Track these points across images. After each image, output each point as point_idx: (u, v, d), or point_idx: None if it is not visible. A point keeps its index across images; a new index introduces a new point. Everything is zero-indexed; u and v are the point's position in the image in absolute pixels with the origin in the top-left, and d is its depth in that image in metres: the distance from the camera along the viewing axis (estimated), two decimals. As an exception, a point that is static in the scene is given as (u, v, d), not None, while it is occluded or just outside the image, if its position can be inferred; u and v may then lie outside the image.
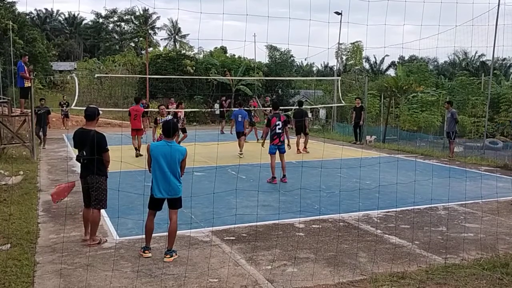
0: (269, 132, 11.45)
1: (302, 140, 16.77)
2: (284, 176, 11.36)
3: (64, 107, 25.95)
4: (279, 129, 11.24)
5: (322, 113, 35.60)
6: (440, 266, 5.79)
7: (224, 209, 8.48)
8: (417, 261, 6.03)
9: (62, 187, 6.91)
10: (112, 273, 5.41)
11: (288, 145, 11.85)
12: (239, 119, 16.50)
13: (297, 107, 17.85)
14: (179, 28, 67.36)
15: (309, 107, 34.52)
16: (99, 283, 5.22)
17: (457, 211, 8.76)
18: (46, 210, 8.38)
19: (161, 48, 54.71)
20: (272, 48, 37.45)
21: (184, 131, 16.03)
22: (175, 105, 18.11)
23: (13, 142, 14.53)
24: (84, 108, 6.92)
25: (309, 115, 24.15)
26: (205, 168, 12.59)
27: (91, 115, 6.54)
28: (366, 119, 21.03)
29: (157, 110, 16.43)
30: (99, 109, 6.84)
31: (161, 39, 66.70)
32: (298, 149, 16.44)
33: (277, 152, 11.34)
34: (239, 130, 16.43)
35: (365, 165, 12.86)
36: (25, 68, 14.45)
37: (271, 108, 14.72)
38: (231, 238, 6.90)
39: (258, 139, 18.94)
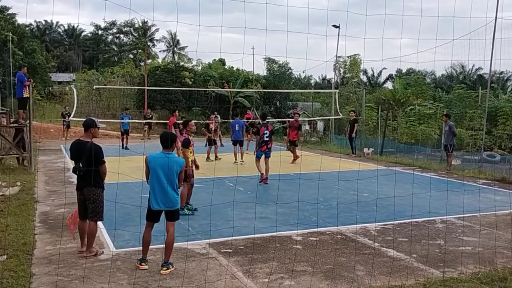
0: (259, 140, 12.68)
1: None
2: (266, 178, 12.51)
3: (67, 118, 26.09)
4: (266, 137, 12.53)
5: (320, 125, 35.68)
6: (438, 279, 5.78)
7: (221, 221, 8.46)
8: (415, 274, 6.01)
9: (74, 216, 6.86)
10: (108, 285, 5.38)
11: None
12: (236, 128, 17.18)
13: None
14: (178, 40, 67.65)
15: (307, 119, 34.65)
16: (95, 296, 5.19)
17: (455, 224, 8.75)
18: (43, 221, 8.34)
19: (159, 60, 54.98)
20: (270, 61, 37.64)
21: None
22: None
23: (11, 153, 14.50)
24: (83, 119, 6.93)
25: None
26: (203, 180, 12.56)
27: (85, 126, 6.56)
28: (359, 131, 21.16)
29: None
30: (99, 120, 6.83)
31: (160, 51, 67.00)
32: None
33: (264, 156, 12.59)
34: (236, 139, 17.14)
35: (363, 178, 12.85)
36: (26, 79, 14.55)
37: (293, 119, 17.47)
38: (228, 250, 6.88)
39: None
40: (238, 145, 17.10)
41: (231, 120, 18.52)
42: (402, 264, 6.43)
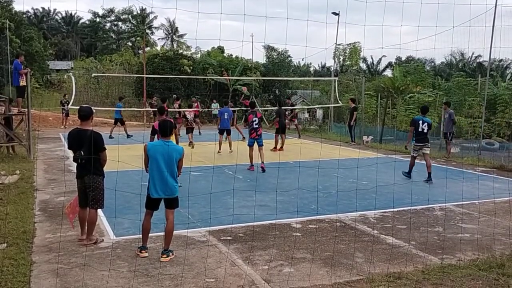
0: (248, 127, 12.80)
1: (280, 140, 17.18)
2: (262, 162, 12.65)
3: (66, 106, 25.98)
4: (255, 124, 12.70)
5: (319, 113, 35.64)
6: (437, 266, 5.81)
7: (221, 209, 8.48)
8: (414, 261, 6.04)
9: (72, 204, 6.87)
10: (108, 273, 5.40)
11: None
12: (225, 116, 16.64)
13: (277, 107, 18.42)
14: (177, 28, 67.40)
15: (306, 107, 34.60)
16: (96, 283, 5.21)
17: (453, 211, 8.79)
18: (43, 210, 8.36)
19: (158, 48, 54.78)
20: (269, 48, 37.45)
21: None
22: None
23: (10, 141, 14.47)
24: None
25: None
26: (202, 168, 12.58)
27: (86, 115, 6.51)
28: (359, 119, 21.16)
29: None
30: (94, 108, 6.82)
31: (159, 39, 66.78)
32: (275, 147, 17.05)
33: (256, 144, 12.72)
34: (224, 127, 16.57)
35: (362, 166, 12.86)
36: (22, 67, 14.48)
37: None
38: (228, 238, 6.90)
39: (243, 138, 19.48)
40: (225, 133, 16.55)
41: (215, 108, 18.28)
42: (401, 251, 6.47)
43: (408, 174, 12.02)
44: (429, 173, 11.72)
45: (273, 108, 30.64)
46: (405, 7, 7.66)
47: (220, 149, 16.23)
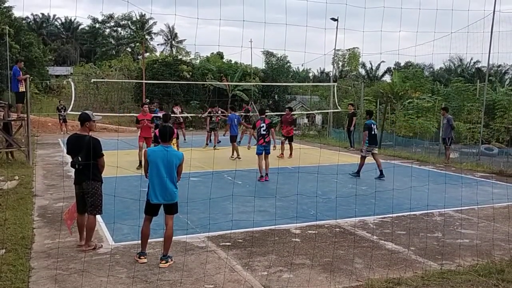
0: (256, 134, 12.45)
1: (287, 147, 16.87)
2: (266, 174, 12.13)
3: (62, 112, 25.83)
4: (263, 131, 12.22)
5: (318, 118, 35.67)
6: (436, 272, 5.80)
7: (220, 215, 8.47)
8: (413, 267, 6.03)
9: (71, 210, 6.87)
10: (107, 279, 5.39)
11: (274, 146, 12.80)
12: (236, 123, 16.61)
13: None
14: (176, 34, 67.45)
15: (305, 112, 34.64)
16: (94, 289, 5.20)
17: (452, 217, 8.78)
18: (41, 215, 8.34)
19: (157, 53, 54.87)
20: (268, 54, 37.55)
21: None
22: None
23: (9, 147, 14.47)
24: (79, 113, 6.90)
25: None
26: (201, 174, 12.57)
27: (83, 120, 6.54)
28: (358, 124, 21.18)
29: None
30: (97, 114, 6.82)
31: (158, 44, 66.82)
32: (282, 154, 16.70)
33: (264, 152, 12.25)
34: (236, 134, 16.51)
35: (361, 171, 12.88)
36: (21, 73, 14.50)
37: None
38: (227, 243, 6.89)
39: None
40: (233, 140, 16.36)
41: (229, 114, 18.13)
42: (400, 256, 6.46)
43: (357, 174, 12.78)
44: (381, 171, 12.53)
45: (272, 113, 30.63)
46: (403, 13, 7.70)
47: (238, 154, 15.87)
